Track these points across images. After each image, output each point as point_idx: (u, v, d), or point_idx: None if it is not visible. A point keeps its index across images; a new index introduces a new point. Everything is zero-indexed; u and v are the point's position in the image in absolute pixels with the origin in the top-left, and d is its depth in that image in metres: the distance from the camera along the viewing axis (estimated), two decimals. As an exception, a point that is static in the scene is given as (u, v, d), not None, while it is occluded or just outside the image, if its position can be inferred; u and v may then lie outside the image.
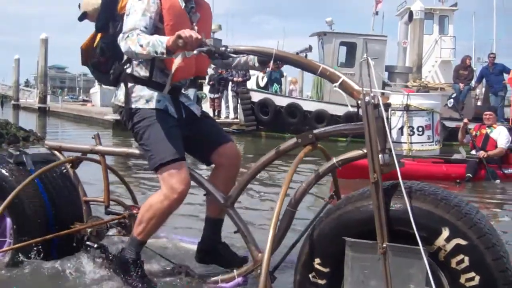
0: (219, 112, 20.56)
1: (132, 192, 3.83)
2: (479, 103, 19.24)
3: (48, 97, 37.05)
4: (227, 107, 20.45)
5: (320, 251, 2.44)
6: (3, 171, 3.40)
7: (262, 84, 19.85)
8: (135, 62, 2.93)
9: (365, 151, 2.43)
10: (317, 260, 2.44)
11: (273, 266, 2.88)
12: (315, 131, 2.66)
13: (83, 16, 3.15)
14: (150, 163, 2.88)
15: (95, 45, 3.05)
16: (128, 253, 2.93)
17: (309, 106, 18.07)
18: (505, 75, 17.66)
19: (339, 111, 17.54)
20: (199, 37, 2.52)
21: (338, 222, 2.40)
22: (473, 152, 8.89)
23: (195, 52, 2.53)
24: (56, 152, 3.47)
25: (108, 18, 2.98)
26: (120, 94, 3.00)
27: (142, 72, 2.94)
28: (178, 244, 3.86)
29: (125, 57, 2.94)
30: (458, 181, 8.23)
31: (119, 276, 3.00)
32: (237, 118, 19.65)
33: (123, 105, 2.96)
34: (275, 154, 2.78)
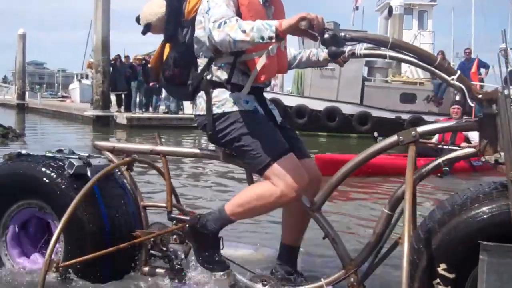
0: (200, 107, 20.47)
1: (177, 196, 3.44)
2: (457, 97, 19.46)
3: (27, 94, 36.64)
4: (208, 102, 20.39)
5: (446, 256, 2.28)
6: (47, 172, 2.99)
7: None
8: (214, 67, 2.71)
9: (476, 149, 2.34)
10: (443, 266, 2.28)
11: (363, 275, 2.68)
12: (418, 129, 2.48)
13: (147, 29, 2.89)
14: (256, 162, 2.64)
15: (164, 57, 2.84)
16: (210, 225, 2.71)
17: (290, 101, 18.12)
18: (481, 69, 17.92)
19: (320, 106, 17.68)
20: (323, 18, 2.31)
21: (467, 224, 2.25)
22: (444, 144, 8.82)
23: (326, 36, 2.30)
24: (109, 154, 3.12)
25: (177, 25, 2.78)
26: (201, 102, 2.76)
27: (224, 76, 2.71)
28: (239, 252, 3.47)
29: (202, 64, 2.74)
30: (439, 174, 8.25)
31: (191, 246, 2.82)
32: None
33: (207, 113, 2.73)
34: (373, 153, 2.60)
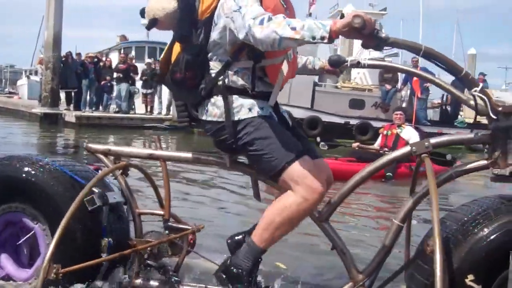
0: (152, 108, 20.41)
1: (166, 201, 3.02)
2: (404, 104, 20.08)
3: (-28, 88, 35.56)
4: (160, 102, 20.35)
5: (474, 266, 2.26)
6: (35, 173, 2.84)
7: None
8: (230, 72, 2.57)
9: (488, 161, 2.38)
10: (470, 277, 2.25)
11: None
12: (431, 140, 2.49)
13: (152, 24, 2.69)
14: (270, 167, 2.51)
15: (173, 58, 2.67)
16: (243, 262, 2.56)
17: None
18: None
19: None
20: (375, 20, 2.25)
21: (499, 234, 2.27)
22: (386, 149, 9.09)
23: (383, 35, 2.24)
24: (102, 157, 2.94)
25: (191, 25, 2.58)
26: (213, 109, 2.61)
27: (239, 82, 2.57)
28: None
29: (216, 67, 2.60)
30: (383, 180, 8.42)
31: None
32: (169, 114, 19.63)
33: (220, 119, 2.59)
34: (385, 163, 2.58)
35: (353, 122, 18.06)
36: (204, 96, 2.62)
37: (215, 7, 2.53)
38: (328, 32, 2.20)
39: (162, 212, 2.88)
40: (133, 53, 23.56)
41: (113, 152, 2.94)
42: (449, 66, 2.39)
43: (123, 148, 3.03)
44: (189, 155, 2.91)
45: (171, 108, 19.39)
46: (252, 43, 2.36)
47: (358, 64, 2.44)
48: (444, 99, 20.46)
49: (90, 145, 2.99)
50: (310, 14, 22.02)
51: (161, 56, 2.78)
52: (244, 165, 2.78)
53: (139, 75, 20.16)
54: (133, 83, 20.01)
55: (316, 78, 19.87)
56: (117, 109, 20.08)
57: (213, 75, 2.59)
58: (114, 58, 22.32)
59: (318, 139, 9.32)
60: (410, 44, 2.41)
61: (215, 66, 2.60)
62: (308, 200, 2.45)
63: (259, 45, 2.33)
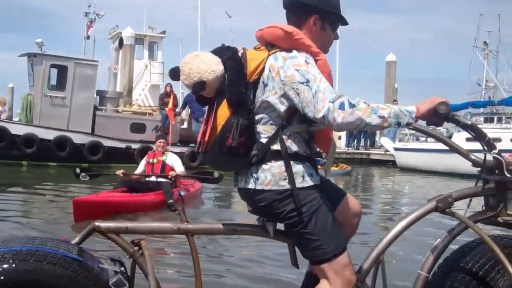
0: None
1: (197, 278, 2.63)
2: (184, 125, 21.04)
3: None
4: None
5: None
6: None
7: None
8: (284, 137, 2.44)
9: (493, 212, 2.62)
10: None
11: None
12: (453, 195, 2.68)
13: (201, 87, 2.42)
14: (317, 254, 2.43)
15: (220, 124, 2.43)
16: None
17: (18, 129, 17.57)
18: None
19: (49, 135, 17.45)
20: None
21: None
22: (153, 178, 9.52)
23: (459, 117, 2.42)
24: (116, 238, 2.43)
25: (247, 88, 2.42)
26: (265, 176, 2.43)
27: (294, 147, 2.45)
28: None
29: (266, 131, 2.45)
30: (173, 207, 8.64)
31: None
32: None
33: (275, 188, 2.41)
34: (414, 219, 2.66)
35: (134, 146, 18.45)
36: (256, 163, 2.45)
37: (263, 69, 2.44)
38: (414, 118, 2.32)
39: None
40: None
41: (131, 229, 2.50)
42: (477, 133, 2.62)
43: (143, 224, 2.65)
44: (224, 226, 2.61)
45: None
46: (327, 125, 2.32)
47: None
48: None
49: (100, 224, 2.42)
50: (88, 37, 21.71)
51: (213, 124, 2.49)
52: (286, 236, 2.58)
53: None
54: None
55: (97, 101, 19.85)
56: None
57: (264, 140, 2.44)
58: None
59: (78, 170, 9.07)
60: (459, 120, 2.56)
61: (266, 130, 2.46)
62: None
63: (336, 128, 2.32)
